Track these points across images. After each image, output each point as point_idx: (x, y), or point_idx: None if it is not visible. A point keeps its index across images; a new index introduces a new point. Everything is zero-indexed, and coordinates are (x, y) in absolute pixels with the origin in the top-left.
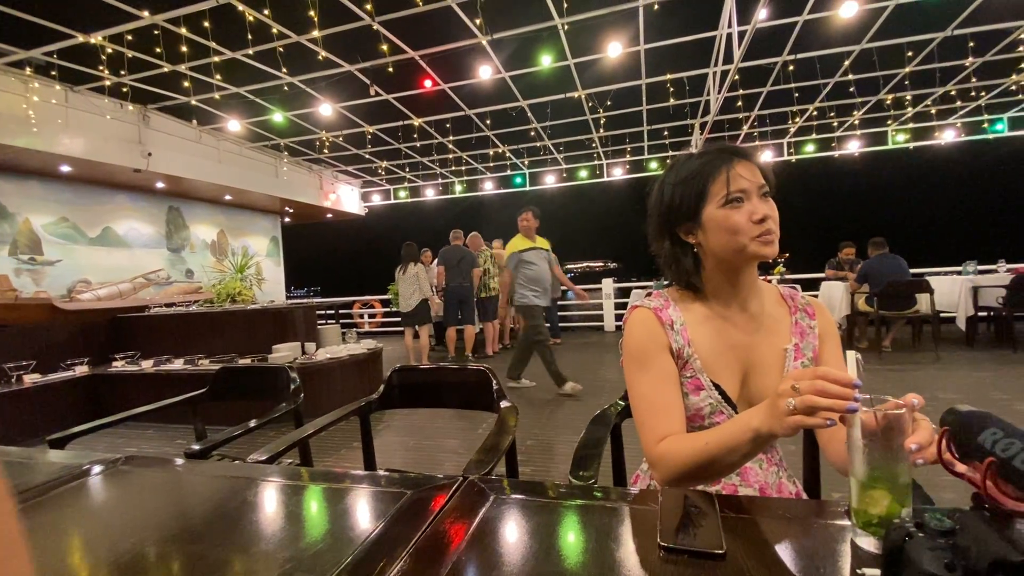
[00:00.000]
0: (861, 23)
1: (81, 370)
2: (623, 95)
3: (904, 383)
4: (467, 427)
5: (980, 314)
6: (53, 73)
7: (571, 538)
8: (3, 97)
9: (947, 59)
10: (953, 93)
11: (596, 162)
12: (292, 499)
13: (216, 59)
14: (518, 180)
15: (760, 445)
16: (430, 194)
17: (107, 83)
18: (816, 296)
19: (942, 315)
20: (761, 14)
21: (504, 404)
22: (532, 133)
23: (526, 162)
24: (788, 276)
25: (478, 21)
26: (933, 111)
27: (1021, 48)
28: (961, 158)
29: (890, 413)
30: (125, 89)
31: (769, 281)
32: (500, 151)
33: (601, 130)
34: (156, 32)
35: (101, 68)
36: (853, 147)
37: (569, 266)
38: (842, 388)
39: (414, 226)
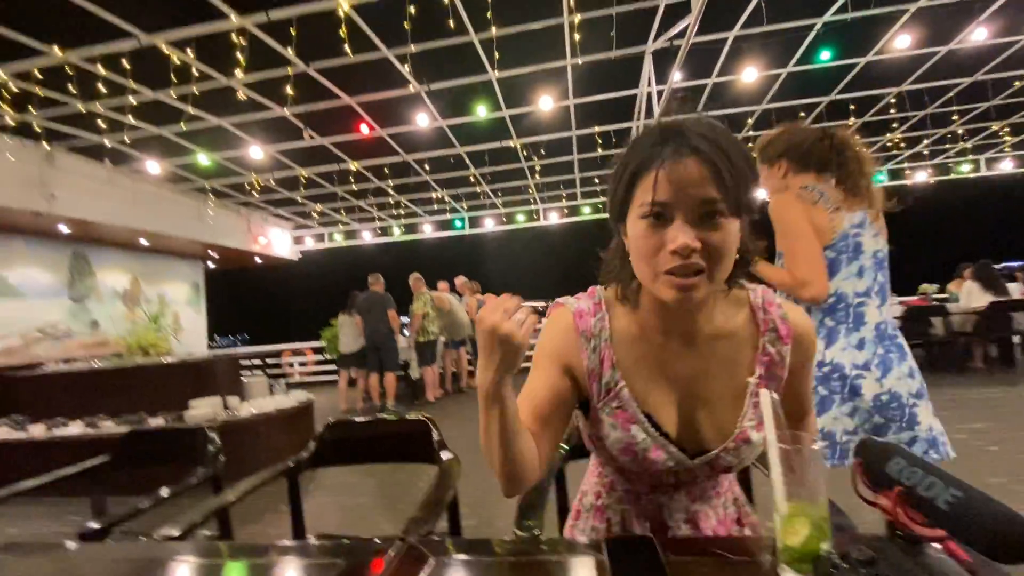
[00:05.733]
0: (761, 87)
1: None
2: (555, 145)
3: None
4: (407, 481)
5: None
6: None
7: None
8: None
9: (833, 119)
10: None
11: (533, 206)
12: None
13: (134, 100)
14: (458, 223)
15: (489, 402)
16: (367, 237)
17: (10, 121)
18: None
19: None
20: (676, 76)
21: (446, 455)
22: (471, 179)
23: (465, 206)
24: None
25: (407, 67)
26: None
27: (892, 110)
28: None
29: (804, 448)
30: (39, 128)
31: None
32: (439, 195)
33: (536, 177)
34: (68, 70)
35: (2, 104)
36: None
37: None
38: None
39: (350, 270)
